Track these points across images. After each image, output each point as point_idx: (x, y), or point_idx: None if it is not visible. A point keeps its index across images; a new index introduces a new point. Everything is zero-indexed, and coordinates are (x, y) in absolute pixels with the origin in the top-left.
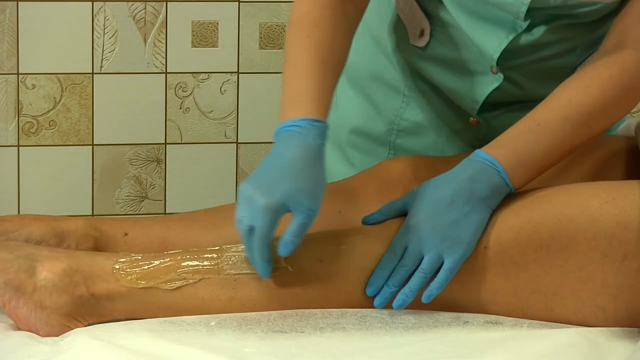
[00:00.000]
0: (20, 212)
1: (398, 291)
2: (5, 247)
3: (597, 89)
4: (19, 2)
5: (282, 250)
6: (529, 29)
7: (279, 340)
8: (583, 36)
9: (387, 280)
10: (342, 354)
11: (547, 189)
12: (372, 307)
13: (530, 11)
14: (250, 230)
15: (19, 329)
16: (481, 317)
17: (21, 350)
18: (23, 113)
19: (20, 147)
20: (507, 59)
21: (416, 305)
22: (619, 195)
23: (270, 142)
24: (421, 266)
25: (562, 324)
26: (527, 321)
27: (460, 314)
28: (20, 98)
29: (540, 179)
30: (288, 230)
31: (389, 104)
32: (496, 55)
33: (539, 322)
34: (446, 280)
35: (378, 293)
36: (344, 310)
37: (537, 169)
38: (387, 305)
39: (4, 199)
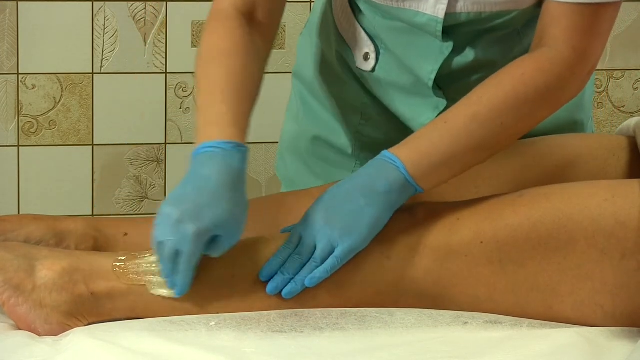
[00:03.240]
0: (20, 212)
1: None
2: (4, 247)
3: (508, 86)
4: (19, 2)
5: (216, 254)
6: (459, 50)
7: (279, 340)
8: (518, 44)
9: (281, 268)
10: (342, 354)
11: (546, 188)
12: (372, 304)
13: (450, 30)
14: (177, 254)
15: (19, 329)
16: (481, 317)
17: (21, 350)
18: (23, 113)
19: (20, 147)
20: (447, 82)
21: (413, 303)
22: (618, 194)
23: (271, 142)
24: (313, 256)
25: (562, 324)
26: (527, 321)
27: (460, 314)
28: (20, 98)
29: (539, 179)
30: (214, 251)
31: (349, 121)
32: (430, 83)
33: (538, 321)
34: (332, 267)
35: (271, 280)
36: (343, 310)
37: (446, 167)
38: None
39: (4, 199)
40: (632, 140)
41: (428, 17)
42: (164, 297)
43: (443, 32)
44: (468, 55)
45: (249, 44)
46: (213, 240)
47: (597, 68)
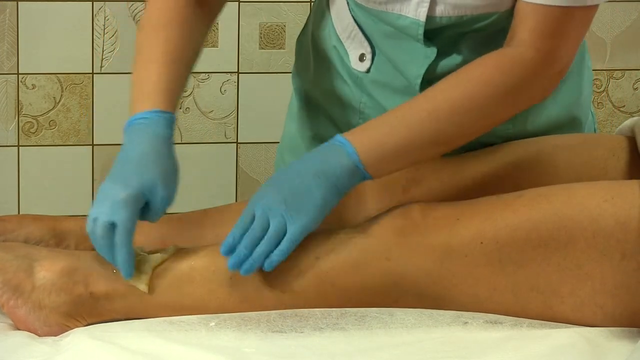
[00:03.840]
0: (20, 212)
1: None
2: (4, 248)
3: (465, 85)
4: (19, 2)
5: (148, 220)
6: (444, 54)
7: (279, 341)
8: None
9: (238, 245)
10: (341, 354)
11: (546, 188)
12: (372, 304)
13: (432, 34)
14: (112, 226)
15: (19, 329)
16: (481, 317)
17: (21, 350)
18: (23, 113)
19: (20, 147)
20: None
21: (413, 303)
22: (618, 194)
23: (271, 142)
24: (268, 233)
25: (562, 324)
26: (527, 321)
27: (460, 314)
28: (20, 98)
29: (538, 179)
30: (145, 215)
31: (346, 120)
32: (417, 87)
33: (538, 321)
34: (288, 249)
35: (232, 255)
36: (343, 310)
37: (398, 157)
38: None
39: (4, 199)
40: (632, 140)
41: (410, 20)
42: (156, 295)
43: (426, 35)
44: (455, 59)
45: (188, 15)
46: (146, 208)
47: (597, 68)
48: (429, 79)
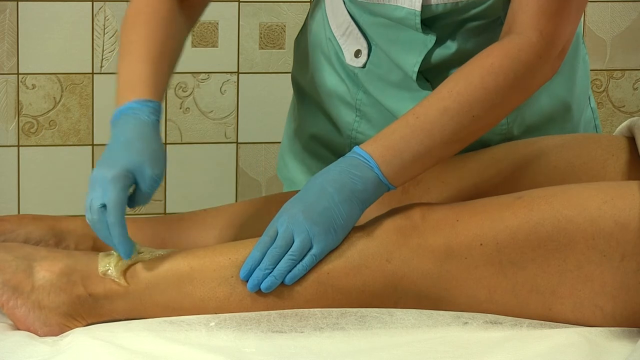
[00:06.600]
0: (20, 212)
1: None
2: (3, 248)
3: (477, 77)
4: (19, 2)
5: (139, 203)
6: (441, 42)
7: (279, 340)
8: (500, 34)
9: (259, 264)
10: (341, 354)
11: (546, 189)
12: (372, 306)
13: (430, 23)
14: (103, 207)
15: (19, 329)
16: (481, 317)
17: (21, 350)
18: (23, 113)
19: (20, 147)
20: (433, 75)
21: (412, 305)
22: (618, 196)
23: (271, 142)
24: (291, 249)
25: (561, 324)
26: (527, 321)
27: (460, 314)
28: (20, 98)
29: (537, 180)
30: (136, 197)
31: (344, 119)
32: (414, 76)
33: (538, 322)
34: (310, 264)
35: (251, 277)
36: (343, 310)
37: (418, 162)
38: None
39: (4, 199)
40: (631, 140)
41: (406, 10)
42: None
43: (424, 24)
44: (450, 47)
45: (173, 12)
46: (136, 190)
47: (597, 68)
48: (425, 69)
